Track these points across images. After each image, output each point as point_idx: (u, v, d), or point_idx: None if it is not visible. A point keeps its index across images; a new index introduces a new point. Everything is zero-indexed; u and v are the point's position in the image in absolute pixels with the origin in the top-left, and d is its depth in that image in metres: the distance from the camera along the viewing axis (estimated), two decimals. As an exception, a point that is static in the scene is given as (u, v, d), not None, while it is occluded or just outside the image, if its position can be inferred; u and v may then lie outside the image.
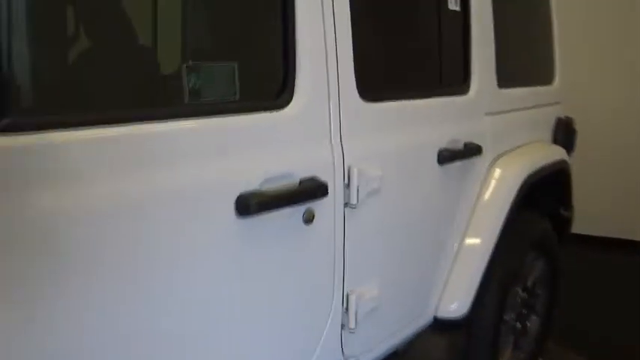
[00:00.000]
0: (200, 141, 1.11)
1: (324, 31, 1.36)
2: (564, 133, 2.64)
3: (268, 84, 1.33)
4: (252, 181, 1.20)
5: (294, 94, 1.31)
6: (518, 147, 2.23)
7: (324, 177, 1.35)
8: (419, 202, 1.73)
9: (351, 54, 1.44)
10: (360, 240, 1.51)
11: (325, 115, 1.38)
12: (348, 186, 1.43)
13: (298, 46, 1.30)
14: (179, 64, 1.10)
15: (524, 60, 2.43)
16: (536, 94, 2.43)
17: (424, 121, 1.71)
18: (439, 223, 1.87)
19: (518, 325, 2.36)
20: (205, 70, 1.14)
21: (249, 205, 1.17)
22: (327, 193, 1.32)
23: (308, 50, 1.32)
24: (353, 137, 1.45)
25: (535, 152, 2.30)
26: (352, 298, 1.50)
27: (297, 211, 1.30)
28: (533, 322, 2.47)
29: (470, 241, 1.97)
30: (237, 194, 1.17)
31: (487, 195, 2.02)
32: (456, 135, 1.83)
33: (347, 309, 1.50)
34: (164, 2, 1.17)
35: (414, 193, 1.69)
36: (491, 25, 2.00)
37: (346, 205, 1.44)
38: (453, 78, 1.92)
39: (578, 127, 2.73)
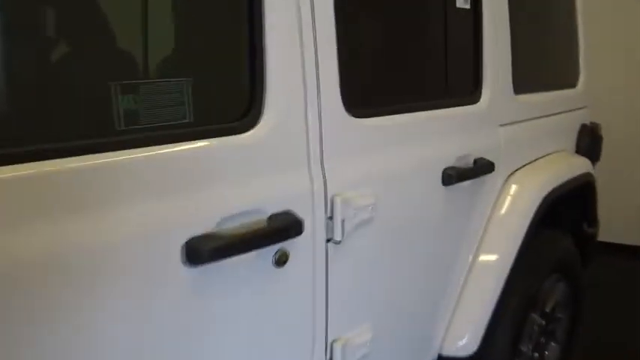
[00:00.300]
0: (136, 178, 0.91)
1: (301, 30, 1.14)
2: (589, 140, 2.38)
3: (230, 101, 1.11)
4: (207, 222, 0.99)
5: (263, 113, 1.09)
6: (537, 159, 1.99)
7: (300, 210, 1.13)
8: (420, 230, 1.50)
9: (336, 59, 1.21)
10: (347, 280, 1.29)
11: (302, 136, 1.16)
12: (331, 219, 1.22)
13: (267, 51, 1.08)
14: (112, 82, 0.89)
15: (545, 62, 2.17)
16: (557, 100, 2.18)
17: (426, 136, 1.48)
18: (444, 251, 1.64)
19: (536, 355, 2.13)
20: (144, 88, 0.93)
21: (200, 251, 0.96)
22: (302, 230, 1.11)
23: (279, 56, 1.10)
24: (337, 160, 1.23)
25: (556, 165, 2.05)
26: (337, 347, 1.28)
27: (266, 252, 1.09)
28: (552, 350, 2.23)
29: (481, 268, 1.74)
30: (186, 239, 0.96)
31: (501, 216, 1.78)
32: (464, 151, 1.59)
33: (331, 359, 1.29)
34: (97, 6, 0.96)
35: (413, 220, 1.46)
36: (507, 24, 1.75)
37: (329, 240, 1.22)
38: (461, 85, 1.68)
39: (603, 132, 2.48)
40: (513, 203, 1.79)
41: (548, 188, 1.90)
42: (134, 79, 0.93)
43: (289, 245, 1.12)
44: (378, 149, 1.34)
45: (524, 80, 1.88)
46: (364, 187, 1.29)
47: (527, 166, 1.91)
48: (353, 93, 1.27)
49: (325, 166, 1.21)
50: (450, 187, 1.53)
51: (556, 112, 2.14)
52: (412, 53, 1.53)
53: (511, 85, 1.81)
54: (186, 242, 0.96)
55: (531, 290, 1.95)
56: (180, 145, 0.97)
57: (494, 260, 1.77)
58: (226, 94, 1.10)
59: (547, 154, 2.06)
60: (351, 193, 1.24)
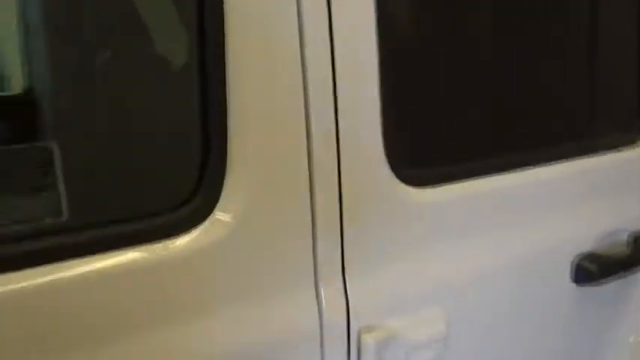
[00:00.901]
0: None
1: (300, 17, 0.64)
2: None
3: (153, 178, 0.63)
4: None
5: (221, 194, 0.60)
6: None
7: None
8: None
9: (375, 77, 0.69)
10: None
11: (303, 229, 0.66)
12: (358, 371, 0.70)
13: (229, 62, 0.59)
14: None
15: None
16: None
17: (543, 206, 0.89)
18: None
19: None
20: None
21: None
22: None
23: (251, 74, 0.61)
24: (372, 264, 0.71)
25: None
26: None
27: None
28: None
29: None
30: None
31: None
32: (612, 224, 0.98)
33: None
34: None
35: (520, 354, 0.88)
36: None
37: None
38: (608, 118, 1.05)
39: None
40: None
41: None
42: None
43: None
44: (454, 237, 0.79)
45: None
46: (426, 307, 0.75)
47: None
48: (406, 141, 0.74)
49: (348, 277, 0.69)
50: (587, 287, 0.93)
51: None
52: (518, 63, 0.92)
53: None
54: None
55: None
56: (47, 272, 0.51)
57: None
58: (143, 166, 0.62)
59: None
60: (397, 321, 0.71)
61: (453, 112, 0.83)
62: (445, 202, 0.78)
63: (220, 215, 0.60)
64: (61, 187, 0.53)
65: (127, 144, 0.60)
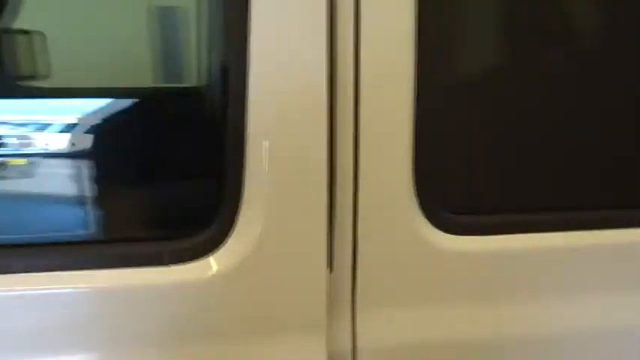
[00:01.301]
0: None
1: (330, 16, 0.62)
2: None
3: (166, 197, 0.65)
4: None
5: (237, 220, 0.62)
6: None
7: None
8: None
9: (409, 106, 0.65)
10: None
11: (318, 265, 0.64)
12: None
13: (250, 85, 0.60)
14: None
15: None
16: None
17: (612, 274, 0.77)
18: None
19: None
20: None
21: None
22: None
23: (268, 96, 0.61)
24: (390, 309, 0.68)
25: None
26: None
27: None
28: None
29: None
30: None
31: None
32: None
33: None
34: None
35: None
36: None
37: None
38: None
39: None
40: None
41: None
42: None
43: None
44: (491, 294, 0.71)
45: None
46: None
47: None
48: (442, 182, 0.69)
49: (360, 318, 0.67)
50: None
51: None
52: (597, 102, 0.77)
53: None
54: None
55: None
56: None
57: None
58: (156, 187, 0.65)
59: None
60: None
61: (512, 158, 0.74)
62: (485, 255, 0.71)
63: (232, 247, 0.61)
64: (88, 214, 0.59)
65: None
